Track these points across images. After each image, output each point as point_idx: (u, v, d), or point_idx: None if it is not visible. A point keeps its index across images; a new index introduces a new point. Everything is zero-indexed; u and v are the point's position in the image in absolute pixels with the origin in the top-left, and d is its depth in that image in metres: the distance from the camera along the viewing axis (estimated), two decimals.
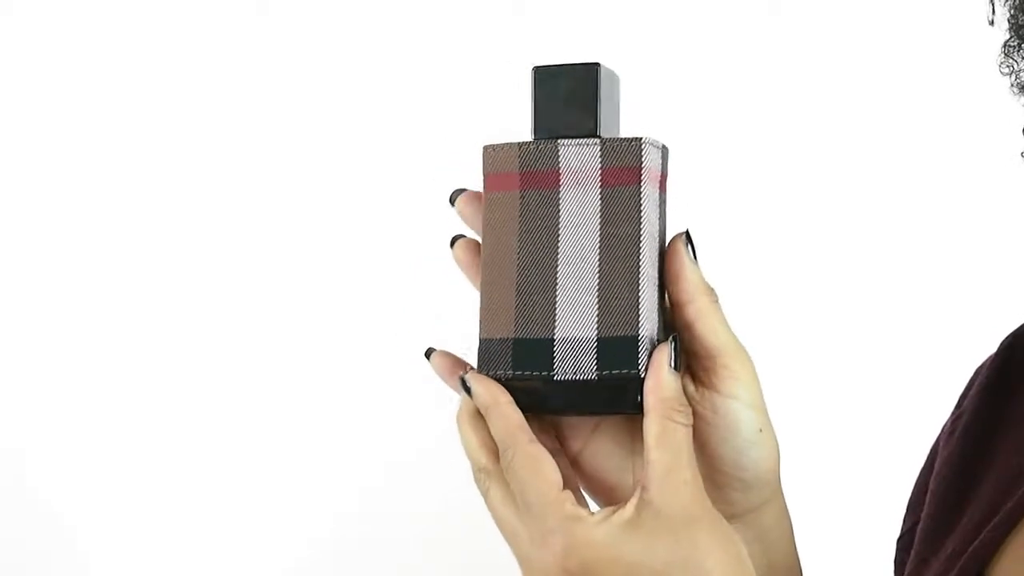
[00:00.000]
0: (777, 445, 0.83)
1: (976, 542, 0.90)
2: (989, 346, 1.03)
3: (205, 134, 1.71)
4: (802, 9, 1.71)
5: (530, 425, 0.78)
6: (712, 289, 0.80)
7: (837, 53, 1.70)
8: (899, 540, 1.02)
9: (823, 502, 1.68)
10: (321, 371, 1.71)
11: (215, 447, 1.71)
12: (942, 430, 1.03)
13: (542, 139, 0.80)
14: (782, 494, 0.86)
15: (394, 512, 1.71)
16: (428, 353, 0.83)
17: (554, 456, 0.78)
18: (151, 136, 1.70)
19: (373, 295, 1.71)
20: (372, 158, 1.71)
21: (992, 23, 0.93)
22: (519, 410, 0.78)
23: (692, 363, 0.81)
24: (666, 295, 0.80)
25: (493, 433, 0.77)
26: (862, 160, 1.72)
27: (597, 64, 0.81)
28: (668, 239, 0.81)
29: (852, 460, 1.69)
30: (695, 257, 0.80)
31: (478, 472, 0.78)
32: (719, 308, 0.81)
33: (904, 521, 1.03)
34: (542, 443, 0.78)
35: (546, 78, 0.81)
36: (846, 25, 1.70)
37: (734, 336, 0.81)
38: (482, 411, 0.78)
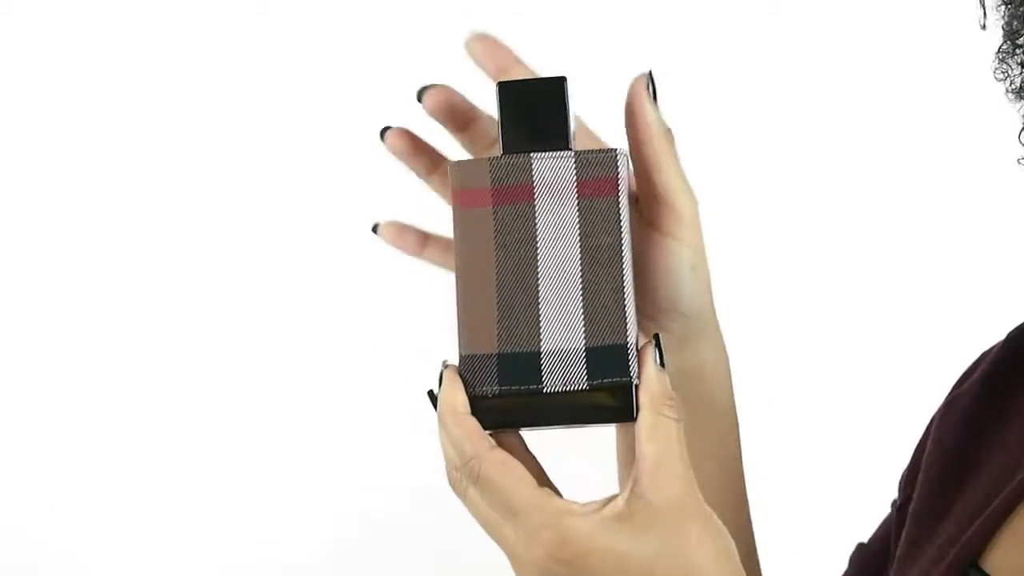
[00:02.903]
0: (710, 280, 0.86)
1: (970, 531, 0.90)
2: (983, 339, 1.03)
3: (205, 134, 1.71)
4: (802, 9, 1.71)
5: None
6: (669, 130, 0.82)
7: (837, 53, 1.70)
8: (899, 509, 1.02)
9: (816, 483, 1.68)
10: (316, 370, 1.72)
11: (209, 446, 1.71)
12: (940, 407, 1.03)
13: (513, 153, 0.79)
14: (719, 330, 0.90)
15: (389, 510, 1.72)
16: (375, 228, 0.85)
17: (526, 457, 0.79)
18: (151, 136, 1.71)
19: (369, 294, 1.71)
20: (371, 158, 1.71)
21: (984, 27, 0.93)
22: (475, 419, 0.77)
23: (640, 203, 0.83)
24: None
25: (452, 443, 0.77)
26: (861, 160, 1.72)
27: (563, 78, 0.81)
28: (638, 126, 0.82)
29: (845, 442, 1.69)
30: (655, 99, 0.81)
31: (454, 472, 0.77)
32: (675, 149, 0.83)
33: (901, 491, 1.03)
34: (510, 444, 0.78)
35: (512, 93, 0.81)
36: (846, 25, 1.70)
37: (685, 178, 0.83)
38: (440, 419, 0.77)
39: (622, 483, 0.94)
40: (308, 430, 1.72)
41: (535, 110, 0.80)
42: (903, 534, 0.98)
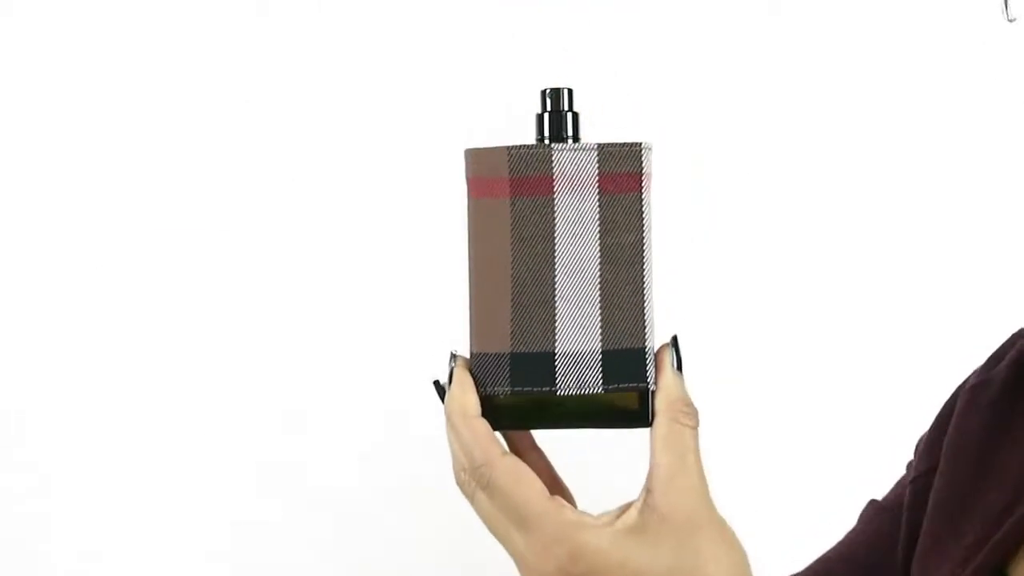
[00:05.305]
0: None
1: (997, 536, 0.89)
2: (983, 333, 1.02)
3: (205, 134, 1.71)
4: (802, 9, 1.71)
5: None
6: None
7: (837, 53, 1.70)
8: (912, 481, 1.00)
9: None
10: (312, 369, 1.71)
11: (206, 443, 1.71)
12: (966, 380, 1.01)
13: (533, 144, 0.76)
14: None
15: (388, 511, 1.72)
16: None
17: (534, 454, 0.78)
18: (151, 136, 1.70)
19: (368, 295, 1.71)
20: (371, 158, 1.71)
21: (1012, 20, 0.90)
22: (486, 421, 0.75)
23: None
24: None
25: (461, 446, 0.75)
26: (862, 161, 1.72)
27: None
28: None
29: (845, 440, 1.69)
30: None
31: (462, 474, 0.76)
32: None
33: (922, 460, 1.01)
34: (521, 442, 0.78)
35: None
36: (846, 25, 1.70)
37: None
38: (448, 419, 0.76)
39: None
40: (307, 429, 1.72)
41: None
42: (924, 526, 0.97)
